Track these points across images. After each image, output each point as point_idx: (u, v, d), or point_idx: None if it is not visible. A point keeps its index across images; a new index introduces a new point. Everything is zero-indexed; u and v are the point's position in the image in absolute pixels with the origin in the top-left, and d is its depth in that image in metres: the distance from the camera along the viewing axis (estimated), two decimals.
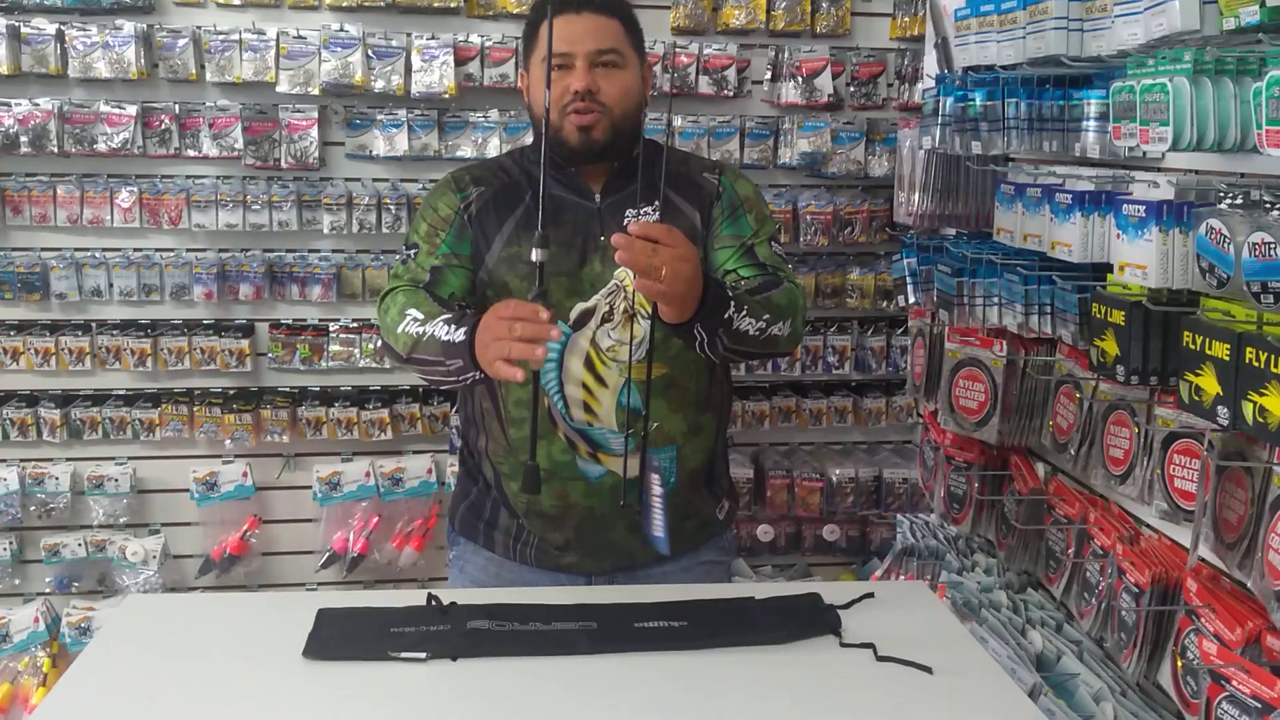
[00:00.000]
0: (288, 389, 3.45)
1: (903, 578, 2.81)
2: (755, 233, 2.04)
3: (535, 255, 1.70)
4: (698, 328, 1.78)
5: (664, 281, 1.65)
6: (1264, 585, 1.59)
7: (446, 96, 3.29)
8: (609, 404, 1.95)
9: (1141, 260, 1.80)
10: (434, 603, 1.78)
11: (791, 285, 1.98)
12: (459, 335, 1.78)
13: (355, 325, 3.40)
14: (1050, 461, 2.39)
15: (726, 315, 1.79)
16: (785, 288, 1.96)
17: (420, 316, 1.87)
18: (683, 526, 2.07)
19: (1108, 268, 1.93)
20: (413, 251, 2.03)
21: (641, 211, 2.00)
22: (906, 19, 3.47)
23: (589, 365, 1.95)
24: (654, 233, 1.66)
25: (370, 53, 3.26)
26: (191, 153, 3.30)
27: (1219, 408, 1.56)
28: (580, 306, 1.94)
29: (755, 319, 1.85)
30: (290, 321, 3.41)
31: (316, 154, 3.30)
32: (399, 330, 1.89)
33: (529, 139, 3.31)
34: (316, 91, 3.26)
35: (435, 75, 3.28)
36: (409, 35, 3.29)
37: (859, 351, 3.59)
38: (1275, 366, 1.45)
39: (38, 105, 3.19)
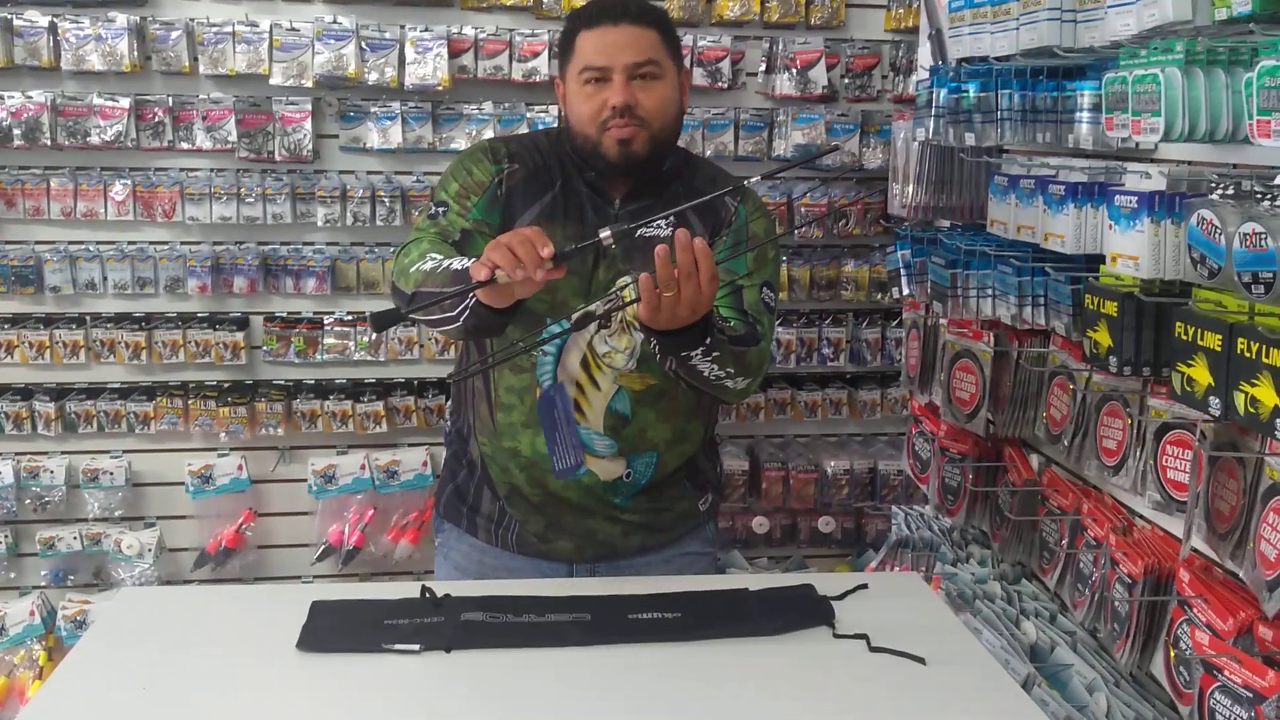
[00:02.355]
0: (282, 382, 3.45)
1: (898, 569, 2.82)
2: (749, 274, 1.98)
3: (604, 232, 1.66)
4: (655, 343, 1.78)
5: (663, 302, 1.64)
6: (1255, 575, 1.59)
7: (440, 89, 3.28)
8: (598, 407, 1.96)
9: (1134, 251, 1.80)
10: (428, 595, 1.79)
11: (764, 345, 1.95)
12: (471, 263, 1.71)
13: (350, 318, 3.40)
14: (1044, 453, 2.40)
15: (685, 354, 1.78)
16: (759, 348, 1.92)
17: (438, 255, 1.83)
18: (662, 518, 2.08)
19: (1100, 259, 1.93)
20: (442, 209, 1.97)
21: (654, 225, 1.95)
22: (901, 11, 3.46)
23: (584, 366, 1.96)
24: (704, 264, 1.64)
25: (364, 45, 3.25)
26: (185, 145, 3.29)
27: (1211, 398, 1.56)
28: (583, 309, 1.93)
29: (719, 366, 1.82)
30: (285, 314, 3.41)
31: (310, 146, 3.30)
32: (413, 270, 1.83)
33: (523, 130, 3.31)
34: (310, 84, 3.25)
35: (429, 67, 3.27)
36: (402, 27, 3.28)
37: (854, 344, 3.59)
38: (1266, 357, 1.45)
39: (30, 98, 3.18)
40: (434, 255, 1.84)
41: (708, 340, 1.77)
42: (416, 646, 1.64)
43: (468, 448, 2.10)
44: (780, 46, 3.44)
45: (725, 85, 3.42)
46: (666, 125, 1.96)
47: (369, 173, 3.38)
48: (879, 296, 3.57)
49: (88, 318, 3.35)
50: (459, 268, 1.76)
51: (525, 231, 1.65)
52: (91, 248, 3.30)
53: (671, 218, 1.92)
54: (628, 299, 1.83)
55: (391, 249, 3.32)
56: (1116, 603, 1.95)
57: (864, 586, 1.87)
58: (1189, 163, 1.83)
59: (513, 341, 1.95)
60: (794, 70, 3.42)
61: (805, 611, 1.77)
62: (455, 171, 2.02)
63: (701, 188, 2.00)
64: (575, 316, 1.92)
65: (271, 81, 3.24)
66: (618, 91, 1.89)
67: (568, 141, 2.02)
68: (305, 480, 3.42)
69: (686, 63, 3.33)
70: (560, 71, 2.02)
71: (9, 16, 3.14)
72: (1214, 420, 1.63)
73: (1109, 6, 1.83)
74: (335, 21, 3.25)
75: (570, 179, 2.00)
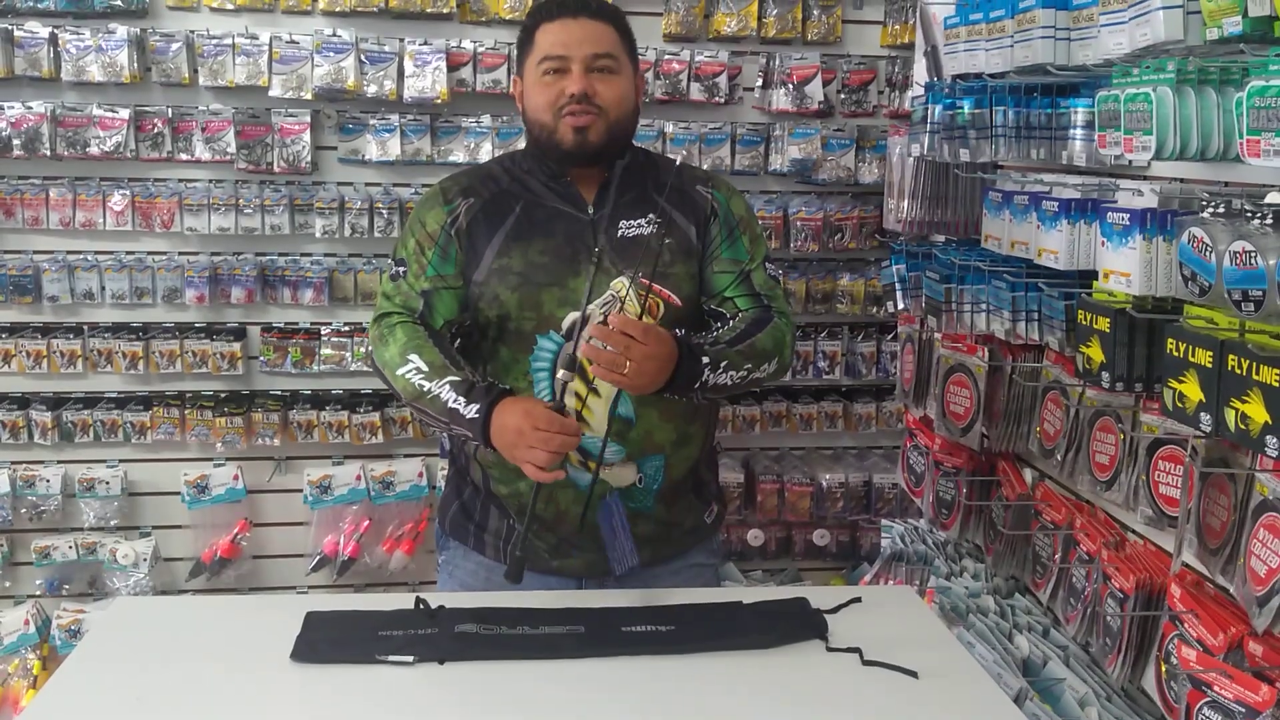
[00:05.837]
0: (279, 392, 3.45)
1: (892, 582, 2.82)
2: (752, 257, 2.06)
3: (560, 375, 1.81)
4: (667, 394, 1.87)
5: (626, 376, 1.76)
6: (1246, 591, 1.60)
7: (439, 101, 3.30)
8: (601, 413, 1.95)
9: (1126, 268, 1.81)
10: (422, 606, 1.79)
11: (780, 320, 2.02)
12: (471, 412, 1.84)
13: (347, 329, 3.41)
14: (1037, 467, 2.41)
15: (698, 384, 1.86)
16: (773, 325, 1.99)
17: (425, 369, 1.90)
18: (671, 532, 2.07)
19: (1093, 275, 1.94)
20: (403, 269, 2.03)
21: (636, 223, 2.00)
22: (897, 27, 3.48)
23: (583, 374, 1.95)
24: (632, 330, 1.76)
25: (363, 58, 3.27)
26: (184, 156, 3.30)
27: (1202, 414, 1.57)
28: (573, 316, 1.94)
29: (735, 370, 1.90)
30: (282, 325, 3.41)
31: (309, 158, 3.31)
32: (399, 373, 1.93)
33: (521, 144, 3.32)
34: (309, 96, 3.26)
35: (428, 80, 3.28)
36: (401, 40, 3.30)
37: (849, 357, 3.61)
38: (1256, 374, 1.46)
39: (30, 108, 3.19)
40: (417, 362, 1.91)
41: (705, 360, 1.85)
42: (410, 658, 1.64)
43: (469, 469, 2.10)
44: (777, 62, 3.46)
45: (722, 100, 3.44)
46: (623, 118, 2.00)
47: (367, 184, 3.40)
48: (874, 310, 3.58)
49: (85, 327, 3.35)
50: (454, 407, 1.86)
51: (539, 429, 1.77)
52: (90, 258, 3.31)
53: (653, 215, 2.01)
54: (624, 297, 1.90)
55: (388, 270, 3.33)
56: (1108, 617, 1.96)
57: (857, 600, 1.87)
58: (1181, 181, 1.84)
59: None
60: (790, 85, 3.44)
61: (798, 624, 1.78)
62: (413, 225, 2.07)
63: (668, 181, 2.05)
64: (566, 325, 1.93)
65: (271, 93, 3.26)
66: (576, 80, 1.94)
67: (525, 140, 2.06)
68: (301, 490, 3.43)
69: (684, 78, 3.38)
70: (519, 68, 2.06)
71: (10, 27, 3.15)
72: (1205, 436, 1.64)
73: (1102, 25, 1.84)
74: (335, 34, 3.26)
75: (533, 194, 2.02)
